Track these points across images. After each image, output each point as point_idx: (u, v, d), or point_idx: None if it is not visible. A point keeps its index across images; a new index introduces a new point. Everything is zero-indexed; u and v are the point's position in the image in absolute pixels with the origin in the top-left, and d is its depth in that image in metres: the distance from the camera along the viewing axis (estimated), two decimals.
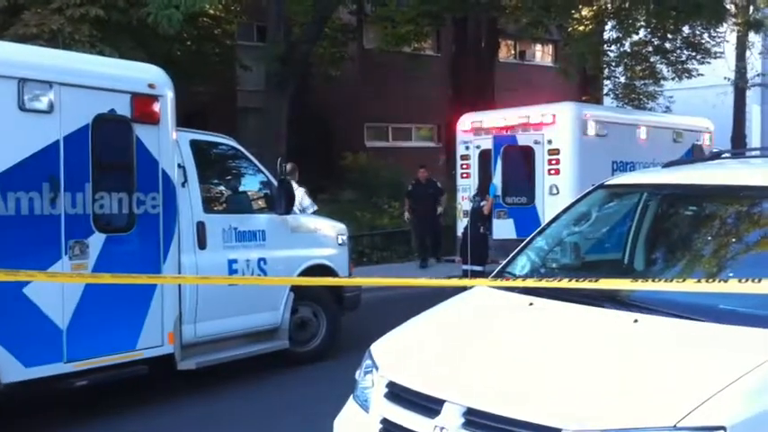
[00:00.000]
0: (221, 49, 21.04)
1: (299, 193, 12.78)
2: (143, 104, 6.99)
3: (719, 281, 3.70)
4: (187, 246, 7.49)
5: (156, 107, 7.09)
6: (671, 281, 3.85)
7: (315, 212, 12.91)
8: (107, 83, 6.85)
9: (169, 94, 7.24)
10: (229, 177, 9.01)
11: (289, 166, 13.31)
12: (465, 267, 13.25)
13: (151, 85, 7.11)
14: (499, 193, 13.07)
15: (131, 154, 6.91)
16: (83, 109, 6.59)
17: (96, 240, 6.62)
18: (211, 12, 18.79)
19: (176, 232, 7.27)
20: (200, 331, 7.58)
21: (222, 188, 8.78)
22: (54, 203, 6.32)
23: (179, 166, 7.45)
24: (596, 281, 3.32)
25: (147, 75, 7.28)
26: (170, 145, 7.26)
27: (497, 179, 13.14)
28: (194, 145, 7.88)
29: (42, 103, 6.30)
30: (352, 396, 4.13)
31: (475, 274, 12.57)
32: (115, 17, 13.55)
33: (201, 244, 7.65)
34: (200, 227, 7.67)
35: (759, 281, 3.14)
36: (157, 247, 7.08)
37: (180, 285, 7.26)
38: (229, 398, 7.60)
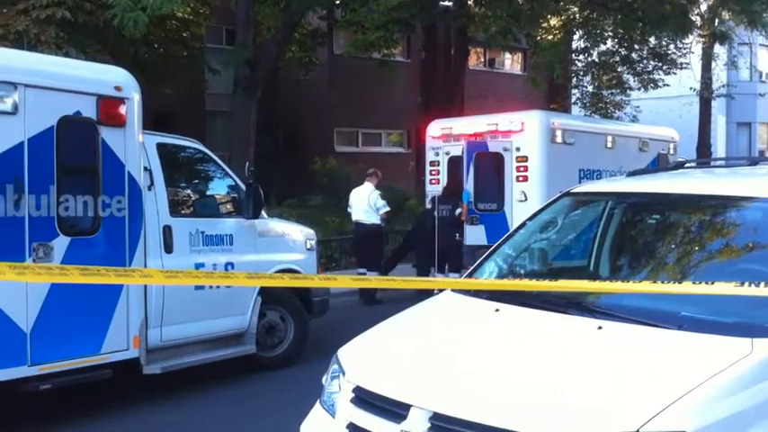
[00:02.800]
0: (189, 53, 20.91)
1: (374, 195, 13.16)
2: (109, 107, 6.92)
3: (674, 283, 3.77)
4: (153, 249, 7.43)
5: (123, 109, 7.02)
6: (628, 281, 3.91)
7: (387, 213, 13.30)
8: (73, 84, 6.77)
9: (136, 97, 7.18)
10: (197, 181, 8.95)
11: (370, 170, 13.81)
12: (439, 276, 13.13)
13: (117, 88, 7.04)
14: (472, 199, 13.06)
15: (97, 156, 6.83)
16: (48, 111, 6.51)
17: (61, 243, 6.53)
18: (179, 15, 18.68)
19: (142, 236, 7.20)
20: (166, 335, 7.52)
21: (189, 192, 8.71)
22: (18, 206, 6.23)
23: (145, 169, 7.39)
24: (555, 281, 3.35)
25: (113, 77, 7.21)
26: (136, 148, 7.19)
27: (470, 185, 13.13)
28: (161, 148, 7.82)
29: (6, 105, 6.22)
30: (318, 401, 4.13)
31: None
32: (82, 19, 13.44)
33: (168, 248, 7.60)
34: (167, 230, 7.61)
35: (712, 283, 3.21)
36: (123, 251, 7.01)
37: (146, 289, 7.20)
38: (195, 403, 7.54)
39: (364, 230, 13.53)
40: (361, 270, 13.54)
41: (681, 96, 29.49)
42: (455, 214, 13.07)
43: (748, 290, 3.16)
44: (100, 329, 6.84)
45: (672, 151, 16.11)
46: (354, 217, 13.67)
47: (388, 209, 13.62)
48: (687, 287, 3.47)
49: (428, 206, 14.07)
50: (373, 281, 5.17)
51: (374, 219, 13.42)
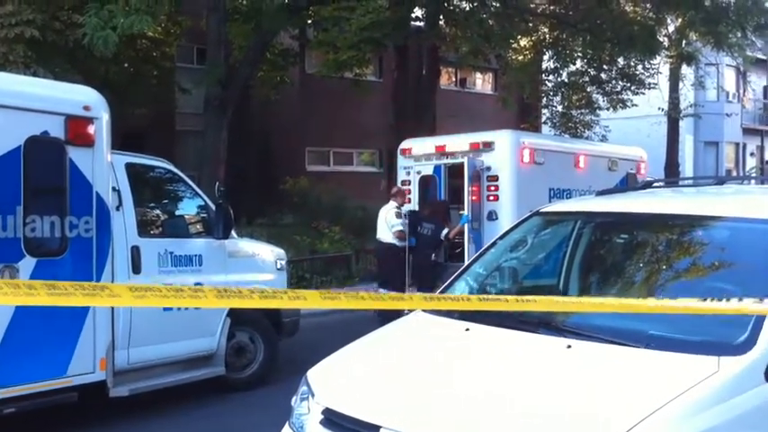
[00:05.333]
0: (160, 72, 20.82)
1: (391, 213, 13.07)
2: (77, 126, 6.86)
3: (640, 299, 3.78)
4: (121, 270, 7.35)
5: (91, 129, 6.97)
6: (593, 298, 3.93)
7: (400, 231, 13.01)
8: (40, 104, 6.71)
9: (105, 117, 7.12)
10: (166, 201, 8.89)
11: (394, 189, 13.67)
12: None
13: (86, 107, 6.99)
14: (471, 219, 12.95)
15: (64, 177, 6.77)
16: (15, 130, 6.44)
17: (27, 264, 6.45)
18: (150, 34, 18.62)
19: (110, 256, 7.13)
20: (133, 357, 7.43)
21: (158, 212, 8.65)
22: None
23: (114, 189, 7.33)
24: (507, 301, 3.33)
25: (81, 96, 7.16)
26: (105, 168, 7.13)
27: (468, 206, 13.00)
28: (130, 168, 7.77)
29: None
30: (287, 423, 4.09)
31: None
32: (51, 38, 13.36)
33: (136, 268, 7.53)
34: (135, 251, 7.54)
35: (675, 298, 3.23)
36: (90, 272, 6.92)
37: (113, 310, 7.11)
38: (163, 426, 7.45)
39: (381, 248, 13.66)
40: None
41: (649, 116, 29.87)
42: (439, 235, 12.92)
43: (711, 305, 3.18)
44: (65, 351, 6.75)
45: (641, 170, 16.24)
46: (377, 234, 13.73)
47: (400, 228, 13.21)
48: (651, 302, 3.48)
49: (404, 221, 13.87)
50: (343, 300, 5.12)
51: (390, 237, 13.28)
